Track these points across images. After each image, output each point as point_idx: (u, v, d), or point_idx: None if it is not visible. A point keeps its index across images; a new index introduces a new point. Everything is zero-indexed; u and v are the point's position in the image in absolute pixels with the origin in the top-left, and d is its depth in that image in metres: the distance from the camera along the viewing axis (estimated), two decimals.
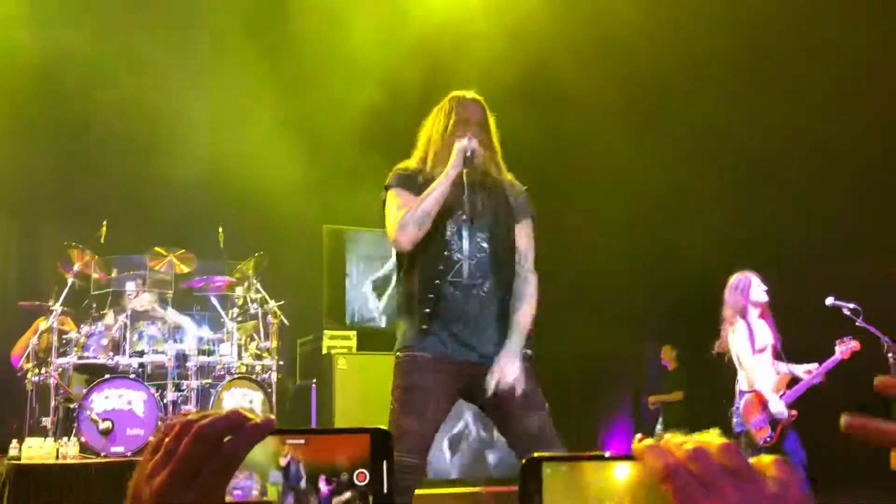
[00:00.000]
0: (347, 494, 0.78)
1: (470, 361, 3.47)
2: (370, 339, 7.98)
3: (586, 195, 7.99)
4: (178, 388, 6.60)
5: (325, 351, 7.66)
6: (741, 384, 6.04)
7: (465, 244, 3.56)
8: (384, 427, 0.80)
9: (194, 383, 6.58)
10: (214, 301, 7.10)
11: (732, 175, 7.26)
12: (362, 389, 7.27)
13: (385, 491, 0.78)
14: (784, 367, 5.99)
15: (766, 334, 5.97)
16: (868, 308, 5.75)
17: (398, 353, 3.59)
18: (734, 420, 6.09)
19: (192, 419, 0.78)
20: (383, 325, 8.26)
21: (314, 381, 7.39)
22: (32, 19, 7.07)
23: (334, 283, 8.13)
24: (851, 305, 5.87)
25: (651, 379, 8.50)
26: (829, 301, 5.95)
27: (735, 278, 6.03)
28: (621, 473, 0.73)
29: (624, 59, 7.19)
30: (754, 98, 7.04)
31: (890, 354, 5.74)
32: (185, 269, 7.13)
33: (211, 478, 0.76)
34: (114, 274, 6.96)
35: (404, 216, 3.49)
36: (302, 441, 0.79)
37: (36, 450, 5.71)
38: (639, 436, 0.72)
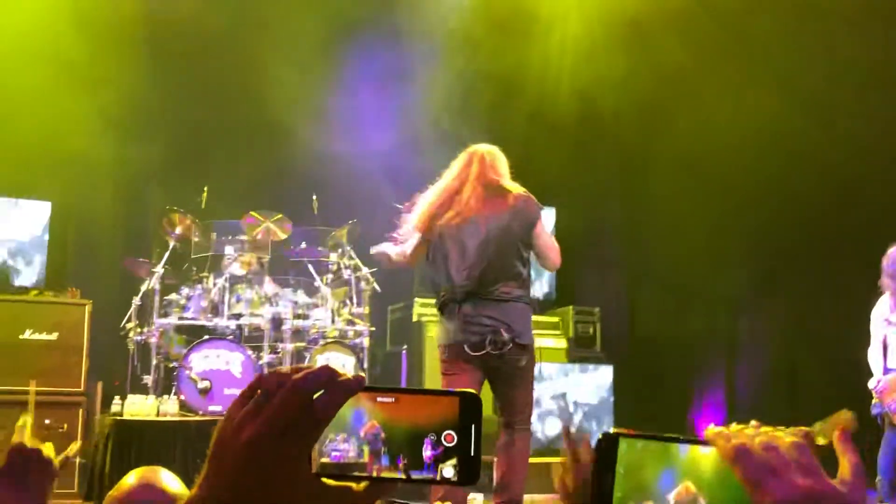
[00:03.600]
0: (454, 460, 0.79)
1: None
2: None
3: (677, 164, 7.83)
4: (273, 350, 6.77)
5: (415, 318, 7.72)
6: (889, 360, 5.83)
7: None
8: (475, 392, 0.81)
9: (289, 346, 6.73)
10: (310, 266, 7.23)
11: (836, 145, 6.97)
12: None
13: (472, 454, 0.79)
14: None
15: None
16: None
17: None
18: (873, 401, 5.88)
19: (285, 373, 0.78)
20: None
21: (405, 347, 7.47)
22: None
23: None
24: None
25: (744, 358, 8.31)
26: None
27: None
28: (693, 456, 0.76)
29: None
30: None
31: None
32: (282, 235, 7.28)
33: (301, 432, 0.76)
34: (213, 238, 7.16)
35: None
36: (391, 400, 0.80)
37: (138, 406, 5.95)
38: (711, 424, 0.75)
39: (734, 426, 0.74)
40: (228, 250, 6.96)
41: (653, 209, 8.25)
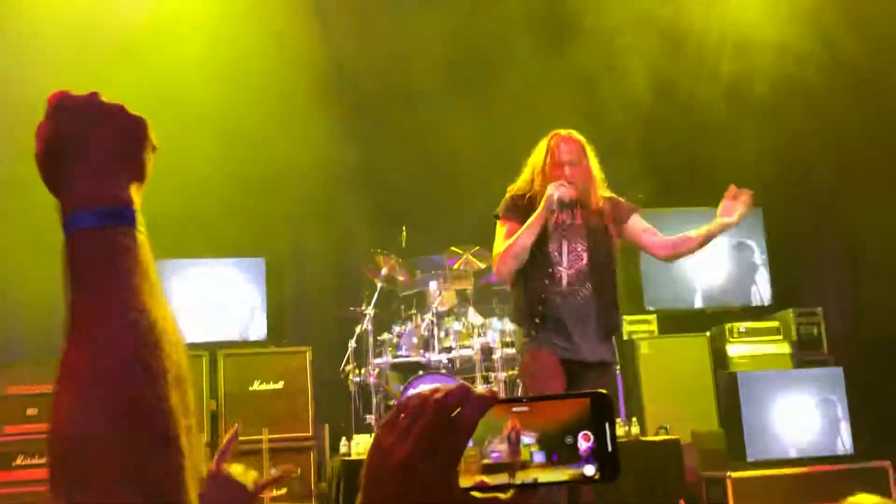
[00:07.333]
0: (594, 459, 0.82)
1: (570, 360, 4.14)
2: (672, 322, 7.77)
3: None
4: (486, 380, 6.80)
5: (626, 336, 7.55)
6: None
7: (565, 257, 4.26)
8: (604, 391, 0.85)
9: (501, 374, 6.74)
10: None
11: None
12: (668, 372, 7.11)
13: (609, 450, 0.82)
14: None
15: None
16: None
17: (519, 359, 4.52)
18: None
19: (425, 395, 0.83)
20: (695, 305, 8.00)
21: (619, 366, 7.31)
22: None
23: (629, 267, 7.99)
24: None
25: None
26: None
27: None
28: None
29: None
30: None
31: None
32: (482, 265, 7.34)
33: (447, 449, 0.81)
34: (417, 275, 7.32)
35: (503, 252, 4.24)
36: (526, 408, 0.85)
37: (364, 446, 6.12)
38: None
39: None
40: (432, 285, 7.09)
41: (871, 197, 7.67)
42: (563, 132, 4.40)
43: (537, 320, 4.20)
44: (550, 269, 4.23)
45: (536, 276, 4.26)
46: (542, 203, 4.16)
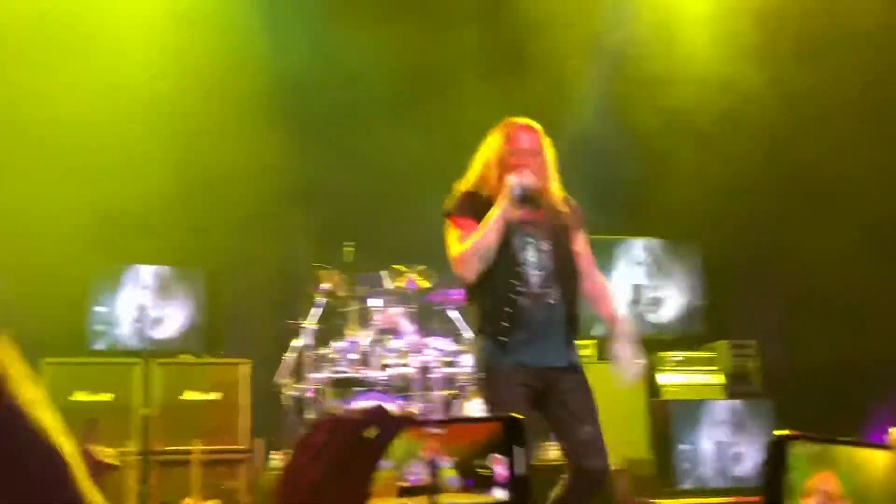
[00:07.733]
0: (504, 482, 0.84)
1: (541, 366, 3.86)
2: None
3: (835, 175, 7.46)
4: (423, 399, 6.80)
5: None
6: None
7: (532, 257, 3.95)
8: (518, 415, 0.86)
9: (438, 394, 6.74)
10: (453, 314, 7.25)
11: None
12: (605, 398, 7.14)
13: (519, 474, 0.84)
14: None
15: None
16: None
17: (480, 373, 3.95)
18: None
19: (337, 416, 0.85)
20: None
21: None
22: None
23: None
24: None
25: None
26: None
27: None
28: (873, 461, 0.74)
29: None
30: None
31: None
32: (426, 285, 7.35)
33: (360, 469, 0.82)
34: (359, 291, 7.30)
35: (466, 251, 3.87)
36: (441, 430, 0.86)
37: None
38: (893, 429, 0.74)
39: None
40: (374, 302, 7.07)
41: (810, 232, 7.85)
42: (518, 120, 4.09)
43: (505, 324, 3.84)
44: (517, 269, 3.90)
45: (502, 277, 3.89)
46: (504, 194, 3.84)
